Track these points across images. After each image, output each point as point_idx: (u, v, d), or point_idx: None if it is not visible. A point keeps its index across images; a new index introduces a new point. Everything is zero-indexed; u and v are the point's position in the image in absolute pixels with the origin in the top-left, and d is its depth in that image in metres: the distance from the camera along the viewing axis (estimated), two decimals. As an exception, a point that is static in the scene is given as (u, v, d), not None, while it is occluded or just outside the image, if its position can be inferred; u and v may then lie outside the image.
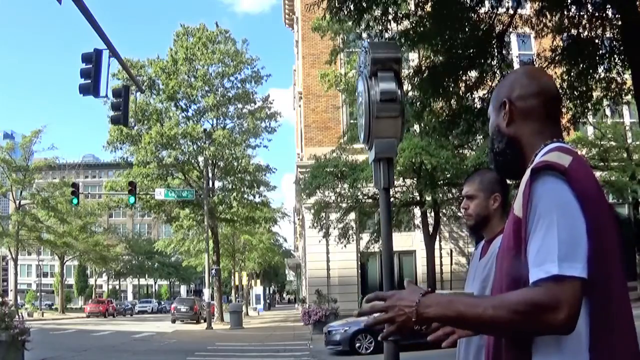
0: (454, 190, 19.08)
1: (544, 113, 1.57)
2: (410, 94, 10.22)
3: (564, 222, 1.34)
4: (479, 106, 9.61)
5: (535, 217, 1.38)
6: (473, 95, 9.70)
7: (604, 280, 1.36)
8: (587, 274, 1.32)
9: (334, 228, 21.74)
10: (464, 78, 9.38)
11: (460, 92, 9.47)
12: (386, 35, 9.15)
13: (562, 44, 9.83)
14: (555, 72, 9.48)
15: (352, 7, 8.37)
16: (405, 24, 9.17)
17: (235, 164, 31.55)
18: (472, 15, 9.13)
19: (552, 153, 1.45)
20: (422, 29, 8.87)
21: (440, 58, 9.30)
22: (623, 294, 1.40)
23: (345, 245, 21.97)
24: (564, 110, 9.48)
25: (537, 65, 9.34)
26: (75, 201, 27.92)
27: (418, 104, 9.76)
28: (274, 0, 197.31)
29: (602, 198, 1.44)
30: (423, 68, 9.47)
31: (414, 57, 16.80)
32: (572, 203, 1.36)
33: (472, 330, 1.42)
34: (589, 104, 9.79)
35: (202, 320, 32.96)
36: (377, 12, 8.71)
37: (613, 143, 23.32)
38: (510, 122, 1.57)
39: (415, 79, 9.44)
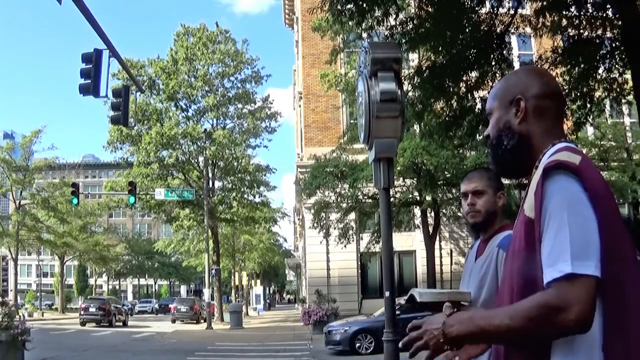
0: (453, 190, 19.08)
1: (555, 113, 1.57)
2: (410, 94, 10.23)
3: (575, 221, 1.34)
4: (480, 106, 9.61)
5: (546, 216, 1.38)
6: (474, 96, 9.68)
7: (618, 279, 1.36)
8: (601, 272, 1.31)
9: (334, 228, 21.73)
10: (464, 78, 9.37)
11: (461, 92, 9.46)
12: (387, 34, 9.16)
13: (562, 45, 9.83)
14: (557, 73, 9.47)
15: (353, 8, 8.38)
16: (407, 25, 9.16)
17: (235, 164, 31.53)
18: (473, 15, 9.12)
19: (561, 152, 1.45)
20: (422, 29, 8.86)
21: (441, 58, 9.28)
22: (638, 292, 1.38)
23: (345, 246, 21.96)
24: (567, 113, 9.48)
25: (538, 66, 9.32)
26: (75, 201, 27.92)
27: (418, 104, 9.75)
28: (272, 1, 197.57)
29: (611, 197, 1.43)
30: (423, 68, 9.46)
31: (413, 57, 16.81)
32: (583, 201, 1.35)
33: (496, 343, 1.46)
34: (592, 106, 9.77)
35: (202, 320, 32.98)
36: (379, 13, 8.71)
37: (613, 143, 23.32)
38: (524, 120, 1.56)
39: (416, 80, 9.43)
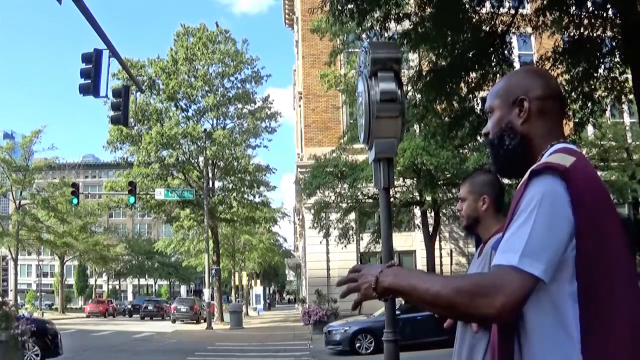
0: (454, 190, 19.09)
1: (556, 114, 1.57)
2: (410, 94, 10.22)
3: (542, 220, 1.34)
4: (481, 107, 9.61)
5: (519, 209, 1.39)
6: (475, 96, 9.67)
7: (599, 288, 1.35)
8: (546, 276, 1.32)
9: (334, 228, 21.72)
10: (466, 79, 9.35)
11: (462, 93, 9.45)
12: (386, 35, 9.16)
13: (563, 44, 9.83)
14: (557, 73, 9.46)
15: (354, 8, 8.37)
16: (407, 25, 9.15)
17: (235, 164, 31.54)
18: (474, 16, 9.11)
19: (556, 154, 1.45)
20: (423, 30, 8.85)
21: (442, 61, 9.28)
22: (625, 297, 1.37)
23: (345, 246, 21.96)
24: (569, 113, 9.48)
25: (539, 66, 9.33)
26: (75, 201, 27.90)
27: (421, 107, 9.74)
28: (271, 1, 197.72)
29: (605, 200, 1.42)
30: (424, 72, 9.45)
31: (413, 58, 16.80)
32: (559, 203, 1.35)
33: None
34: (594, 106, 9.76)
35: (202, 320, 32.99)
36: (379, 14, 8.70)
37: (613, 143, 23.33)
38: (526, 121, 1.56)
39: (419, 84, 9.42)
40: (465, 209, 2.64)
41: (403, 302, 13.67)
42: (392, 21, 8.93)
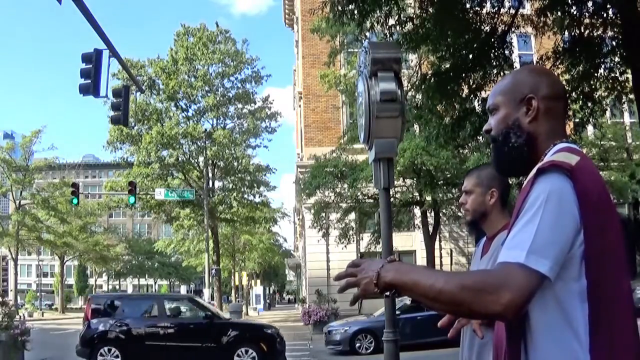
0: (454, 190, 19.10)
1: (560, 114, 1.58)
2: (410, 94, 10.21)
3: (549, 217, 1.34)
4: (482, 108, 9.60)
5: (526, 207, 1.39)
6: (477, 97, 9.67)
7: (604, 281, 1.36)
8: (552, 274, 1.32)
9: (334, 228, 21.73)
10: (467, 80, 9.34)
11: (464, 94, 9.44)
12: (389, 38, 9.15)
13: (563, 44, 9.83)
14: (558, 73, 9.46)
15: (354, 9, 8.36)
16: (408, 26, 9.14)
17: (236, 164, 31.55)
18: (474, 16, 9.11)
19: (560, 153, 1.46)
20: (424, 30, 8.85)
21: (445, 63, 9.27)
22: (625, 295, 1.39)
23: (345, 246, 21.96)
24: (570, 113, 9.49)
25: (543, 66, 9.33)
26: (75, 201, 27.90)
27: (426, 110, 9.73)
28: (270, 2, 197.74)
29: (607, 199, 1.43)
30: (428, 76, 9.44)
31: (412, 58, 16.79)
32: (566, 201, 1.35)
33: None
34: (595, 106, 9.76)
35: (202, 320, 32.96)
36: (380, 14, 8.69)
37: (613, 143, 23.35)
38: (534, 120, 1.56)
39: (422, 87, 9.42)
40: (472, 203, 2.54)
41: (413, 303, 13.62)
42: (394, 22, 8.92)
